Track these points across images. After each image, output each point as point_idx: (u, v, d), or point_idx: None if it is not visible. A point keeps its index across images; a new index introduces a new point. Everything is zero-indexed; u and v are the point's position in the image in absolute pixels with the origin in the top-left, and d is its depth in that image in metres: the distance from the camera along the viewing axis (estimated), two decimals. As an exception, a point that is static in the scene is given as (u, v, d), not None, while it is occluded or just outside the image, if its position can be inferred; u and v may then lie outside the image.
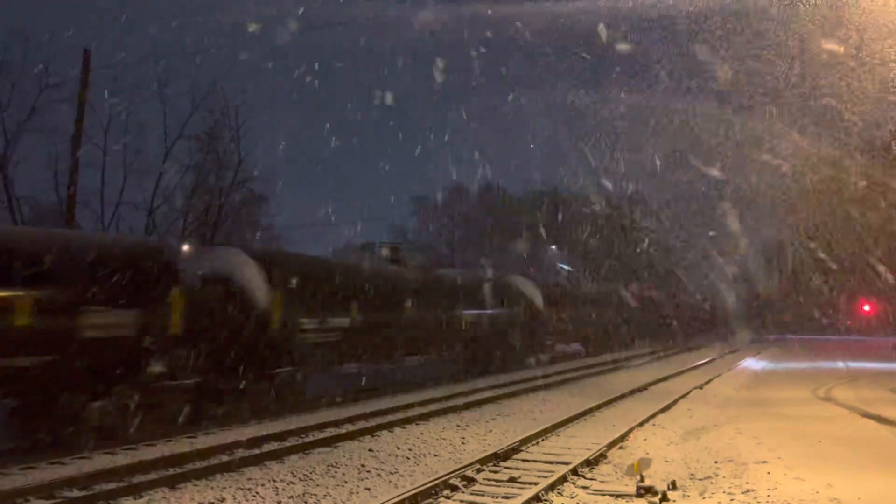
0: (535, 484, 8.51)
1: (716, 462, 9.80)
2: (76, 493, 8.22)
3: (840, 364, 29.09)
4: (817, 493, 7.88)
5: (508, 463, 9.98)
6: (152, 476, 8.97)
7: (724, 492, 8.17)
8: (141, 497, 8.21)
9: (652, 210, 49.31)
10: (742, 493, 8.05)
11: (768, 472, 8.91)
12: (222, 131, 28.61)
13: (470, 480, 8.86)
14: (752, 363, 31.83)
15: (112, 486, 8.50)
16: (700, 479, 8.89)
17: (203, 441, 11.42)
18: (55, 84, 23.57)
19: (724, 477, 8.91)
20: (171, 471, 9.28)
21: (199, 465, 9.65)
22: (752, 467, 9.25)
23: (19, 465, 9.59)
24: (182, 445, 11.03)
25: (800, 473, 8.74)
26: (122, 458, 10.08)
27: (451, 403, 15.75)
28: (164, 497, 8.24)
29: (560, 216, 45.77)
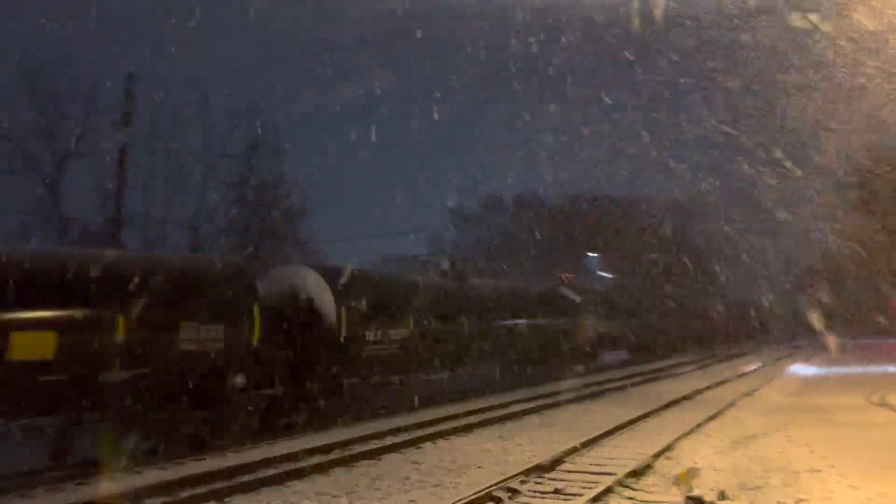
0: (580, 495, 8.43)
1: (766, 471, 9.58)
2: (128, 508, 8.39)
3: (893, 368, 28.20)
4: (872, 502, 7.66)
5: (553, 474, 9.89)
6: (200, 490, 9.14)
7: (775, 501, 7.99)
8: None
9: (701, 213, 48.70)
10: (794, 502, 7.87)
11: (821, 481, 8.68)
12: (262, 149, 29.12)
13: (514, 492, 8.81)
14: (801, 369, 31.08)
15: (161, 499, 8.67)
16: (750, 489, 8.69)
17: (250, 454, 11.57)
18: (100, 108, 24.28)
19: (774, 486, 8.71)
20: (219, 484, 9.43)
21: (245, 478, 9.77)
22: (804, 476, 9.03)
23: (74, 479, 9.85)
24: (228, 459, 11.19)
25: (854, 482, 8.50)
26: (170, 473, 10.28)
27: (492, 414, 15.73)
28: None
29: (600, 222, 45.47)
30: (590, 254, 46.02)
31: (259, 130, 28.53)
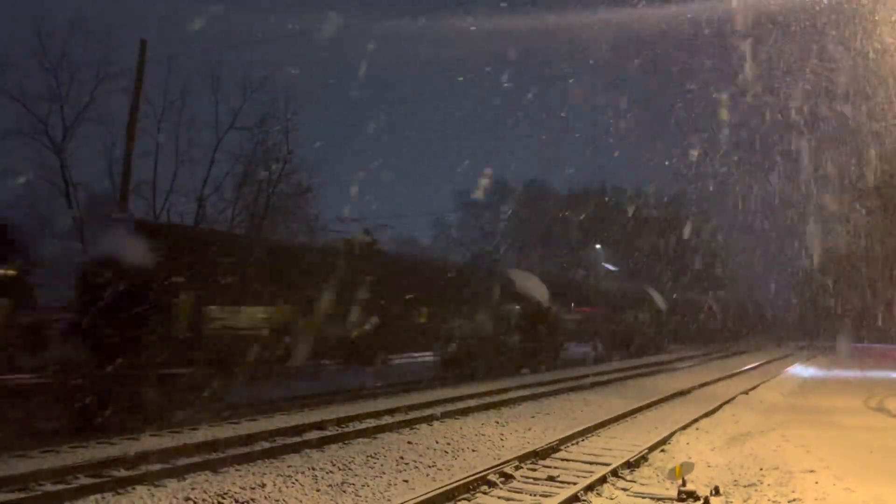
0: (574, 483, 8.42)
1: (761, 469, 9.55)
2: (123, 473, 8.44)
3: (894, 374, 28.14)
4: (867, 505, 7.63)
5: (547, 461, 9.90)
6: (196, 459, 9.17)
7: (769, 500, 7.96)
8: (185, 479, 8.39)
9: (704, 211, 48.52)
10: (788, 501, 7.84)
11: (816, 482, 8.65)
12: (272, 123, 29.03)
13: (508, 477, 8.82)
14: (800, 370, 31.03)
15: (157, 467, 8.72)
16: (744, 486, 8.68)
17: (246, 427, 11.62)
18: (112, 74, 24.21)
19: (769, 485, 8.68)
20: (214, 455, 9.47)
21: (240, 450, 9.81)
22: (799, 476, 9.00)
23: (71, 443, 9.92)
24: (224, 430, 11.24)
25: (849, 484, 8.47)
26: (168, 441, 10.33)
27: (490, 399, 15.77)
28: (206, 480, 8.40)
29: (606, 215, 45.32)
30: (597, 246, 45.92)
31: (269, 104, 28.48)
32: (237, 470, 8.92)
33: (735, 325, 48.62)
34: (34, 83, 23.76)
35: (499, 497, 8.12)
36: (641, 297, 36.11)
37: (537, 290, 23.99)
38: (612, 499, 8.15)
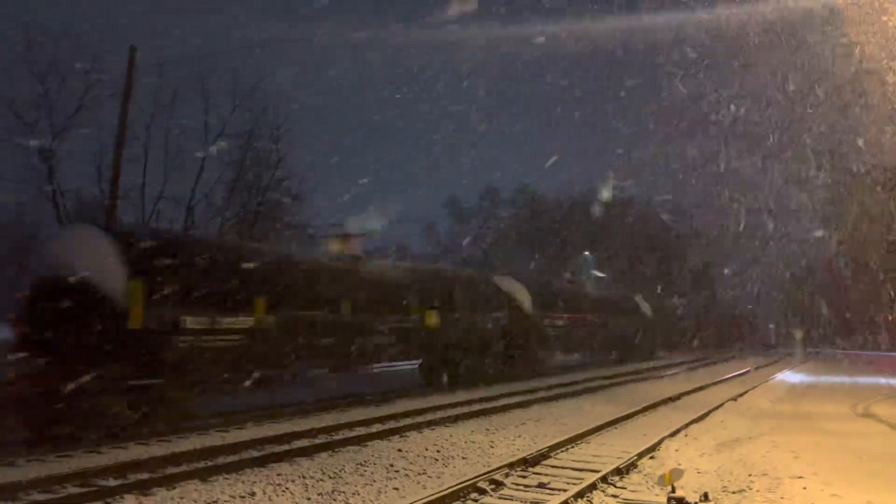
0: (564, 490, 8.43)
1: (750, 475, 9.59)
2: (111, 482, 8.38)
3: (882, 380, 28.33)
4: (855, 511, 7.67)
5: (537, 468, 9.89)
6: (184, 468, 9.12)
7: (757, 506, 8.01)
8: (174, 488, 8.34)
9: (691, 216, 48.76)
10: (776, 508, 7.88)
11: (804, 488, 8.70)
12: (262, 130, 28.96)
13: (498, 484, 8.82)
14: (788, 376, 31.19)
15: (146, 476, 8.66)
16: (733, 492, 8.71)
17: (235, 435, 11.56)
18: (101, 81, 24.10)
19: (758, 491, 8.73)
20: (203, 463, 9.42)
21: (230, 458, 9.76)
22: (788, 482, 9.05)
23: (58, 452, 9.84)
24: (213, 439, 11.19)
25: (837, 490, 8.52)
26: (157, 450, 10.27)
27: (480, 407, 15.76)
28: (195, 489, 8.36)
29: (595, 221, 45.46)
30: (585, 252, 46.06)
31: (259, 111, 28.44)
32: (226, 479, 8.87)
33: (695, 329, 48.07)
34: (23, 89, 23.65)
35: (489, 504, 8.12)
36: (490, 294, 23.38)
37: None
38: (602, 506, 8.16)
